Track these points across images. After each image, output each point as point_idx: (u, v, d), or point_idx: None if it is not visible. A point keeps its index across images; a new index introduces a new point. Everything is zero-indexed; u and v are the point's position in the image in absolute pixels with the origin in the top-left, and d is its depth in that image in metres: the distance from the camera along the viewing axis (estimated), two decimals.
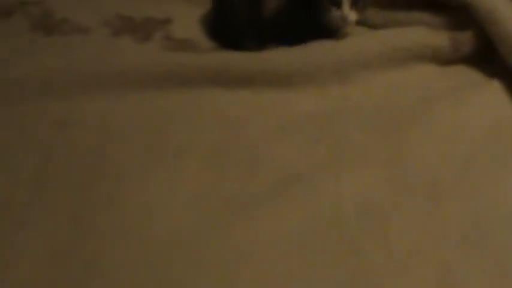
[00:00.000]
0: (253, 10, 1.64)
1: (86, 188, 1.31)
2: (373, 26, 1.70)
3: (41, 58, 1.66)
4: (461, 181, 1.31)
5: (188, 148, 1.39)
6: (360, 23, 1.62)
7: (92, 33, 1.77)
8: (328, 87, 1.53)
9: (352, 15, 1.54)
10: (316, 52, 1.55)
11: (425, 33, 1.60)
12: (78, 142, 1.42)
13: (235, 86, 1.53)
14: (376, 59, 1.56)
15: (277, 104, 1.50)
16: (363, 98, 1.51)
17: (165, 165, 1.36)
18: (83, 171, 1.35)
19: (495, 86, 1.54)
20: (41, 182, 1.34)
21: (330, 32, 1.58)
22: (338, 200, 1.27)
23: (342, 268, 1.16)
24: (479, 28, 1.58)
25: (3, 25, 1.85)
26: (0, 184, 1.33)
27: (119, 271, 1.17)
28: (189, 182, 1.32)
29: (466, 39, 1.59)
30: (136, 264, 1.18)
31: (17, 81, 1.56)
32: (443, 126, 1.44)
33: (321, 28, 1.57)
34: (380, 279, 1.15)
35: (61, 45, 1.73)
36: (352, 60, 1.54)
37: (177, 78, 1.53)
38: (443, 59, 1.60)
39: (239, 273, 1.16)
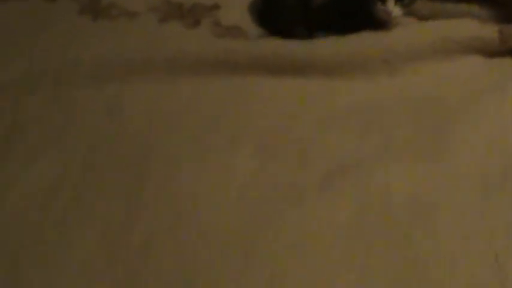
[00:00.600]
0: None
1: (137, 173, 1.34)
2: (421, 17, 1.69)
3: (90, 43, 1.69)
4: (509, 174, 1.31)
5: (239, 137, 1.41)
6: (408, 13, 1.62)
7: (139, 18, 1.79)
8: (378, 78, 1.53)
9: (396, 11, 1.55)
10: (365, 42, 1.56)
11: (474, 25, 1.59)
12: (130, 126, 1.45)
13: (284, 74, 1.54)
14: (425, 50, 1.56)
15: (327, 93, 1.51)
16: (411, 89, 1.51)
17: (216, 153, 1.38)
18: (134, 156, 1.38)
19: None
20: (93, 163, 1.37)
21: (378, 23, 1.59)
22: (387, 191, 1.28)
23: (392, 258, 1.18)
24: None
25: (52, 8, 1.88)
26: (53, 164, 1.37)
27: (168, 259, 1.19)
28: (240, 171, 1.34)
29: None
30: (185, 252, 1.20)
31: (69, 66, 1.60)
32: (490, 118, 1.44)
33: (369, 19, 1.58)
34: (429, 268, 1.16)
35: (109, 30, 1.75)
36: (401, 51, 1.54)
37: (227, 65, 1.55)
38: (490, 52, 1.59)
39: (290, 263, 1.18)
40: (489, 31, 1.58)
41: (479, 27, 1.59)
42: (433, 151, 1.36)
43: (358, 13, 1.58)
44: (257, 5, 1.78)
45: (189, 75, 1.55)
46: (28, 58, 1.65)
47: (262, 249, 1.20)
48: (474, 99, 1.47)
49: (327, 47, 1.56)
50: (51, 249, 1.22)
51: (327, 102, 1.49)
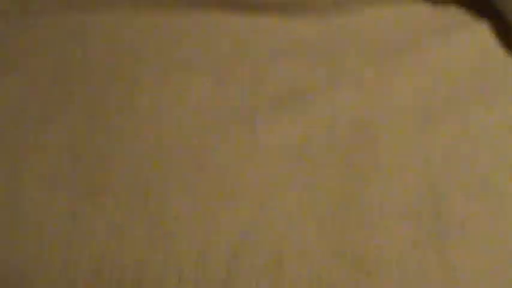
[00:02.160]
0: None
1: (101, 90, 1.40)
2: None
3: None
4: (449, 106, 1.41)
5: (194, 62, 1.47)
6: None
7: None
8: (327, 17, 1.60)
9: None
10: None
11: None
12: (94, 50, 1.50)
13: (238, 10, 1.59)
14: None
15: (278, 29, 1.57)
16: (359, 30, 1.58)
17: (175, 76, 1.43)
18: (98, 76, 1.43)
19: (483, 28, 1.61)
20: (58, 83, 1.42)
21: None
22: (333, 114, 1.37)
23: (334, 176, 1.27)
24: None
25: None
26: (19, 85, 1.42)
27: (126, 169, 1.26)
28: (196, 92, 1.40)
29: None
30: (143, 160, 1.27)
31: None
32: (432, 58, 1.52)
33: None
34: (367, 187, 1.26)
35: None
36: None
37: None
38: None
39: (240, 174, 1.26)
40: None
41: None
42: (376, 83, 1.44)
43: None
44: None
45: (146, 8, 1.59)
46: None
47: (215, 162, 1.28)
48: (416, 40, 1.55)
49: None
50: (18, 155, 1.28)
51: (279, 35, 1.55)
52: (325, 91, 1.42)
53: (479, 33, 1.61)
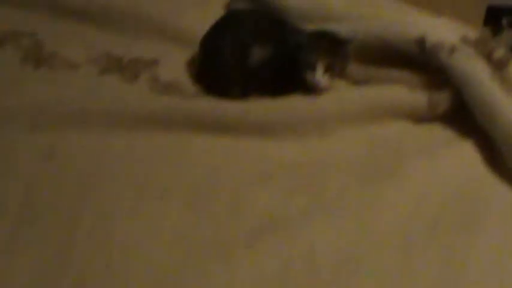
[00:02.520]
0: (240, 59, 1.68)
1: (71, 221, 1.35)
2: (354, 81, 1.75)
3: (30, 92, 1.71)
4: (433, 232, 1.37)
5: (171, 190, 1.43)
6: (341, 77, 1.68)
7: (79, 69, 1.82)
8: (309, 139, 1.58)
9: (324, 81, 1.59)
10: (298, 104, 1.60)
11: (404, 91, 1.65)
12: (65, 176, 1.46)
13: (218, 132, 1.57)
14: (356, 114, 1.61)
15: (258, 152, 1.55)
16: (341, 151, 1.56)
17: (148, 205, 1.40)
18: (69, 205, 1.39)
19: (468, 145, 1.59)
20: (27, 212, 1.37)
21: (309, 88, 1.63)
22: (312, 248, 1.32)
23: None
24: (455, 89, 1.63)
25: None
26: None
27: None
28: (170, 223, 1.36)
29: (442, 99, 1.64)
30: None
31: (6, 113, 1.60)
32: (415, 182, 1.49)
33: (301, 84, 1.62)
34: None
35: (49, 80, 1.77)
36: (333, 115, 1.60)
37: (162, 121, 1.58)
38: (419, 117, 1.65)
39: None
40: (419, 97, 1.64)
41: (409, 93, 1.65)
42: (358, 210, 1.41)
43: (291, 77, 1.62)
44: (196, 62, 1.82)
45: (124, 130, 1.57)
46: None
47: None
48: (400, 163, 1.52)
49: (260, 107, 1.60)
50: None
51: (258, 160, 1.53)
52: (303, 221, 1.37)
53: (464, 153, 1.59)
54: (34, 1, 2.11)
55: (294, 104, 1.60)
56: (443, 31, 1.72)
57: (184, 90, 1.73)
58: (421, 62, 1.69)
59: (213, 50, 1.74)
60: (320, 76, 1.58)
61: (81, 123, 1.58)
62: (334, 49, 1.60)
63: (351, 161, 1.54)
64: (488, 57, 1.67)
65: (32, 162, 1.49)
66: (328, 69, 1.59)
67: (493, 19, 3.14)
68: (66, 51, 1.88)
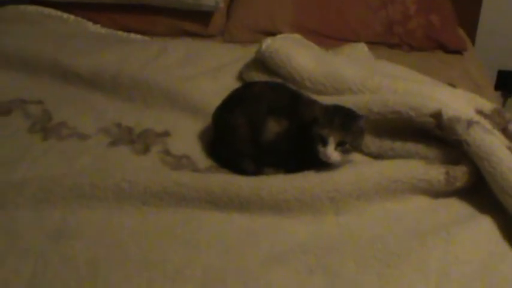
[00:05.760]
0: (254, 134, 1.66)
1: None
2: (369, 153, 1.73)
3: (38, 163, 1.69)
4: None
5: (184, 272, 1.38)
6: (356, 151, 1.66)
7: (89, 140, 1.80)
8: (324, 216, 1.54)
9: (335, 156, 1.56)
10: (313, 180, 1.56)
11: (420, 166, 1.62)
12: (74, 255, 1.42)
13: (231, 209, 1.54)
14: (372, 189, 1.57)
15: (273, 230, 1.51)
16: (358, 229, 1.52)
17: None
18: (79, 285, 1.35)
19: (487, 221, 1.55)
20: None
21: (322, 163, 1.59)
22: None
23: None
24: (473, 163, 1.60)
25: (1, 123, 1.88)
26: None
27: None
28: None
29: (459, 173, 1.60)
30: None
31: (14, 187, 1.58)
32: (435, 261, 1.44)
33: (315, 158, 1.59)
34: None
35: (58, 151, 1.75)
36: (348, 190, 1.56)
37: (174, 196, 1.54)
38: (437, 192, 1.61)
39: None
40: (435, 172, 1.60)
41: (425, 168, 1.61)
42: None
43: (305, 151, 1.59)
44: (208, 135, 1.80)
45: (135, 204, 1.54)
46: None
47: None
48: (419, 241, 1.47)
49: (274, 184, 1.56)
50: None
51: (273, 239, 1.48)
52: None
53: (483, 229, 1.53)
54: (42, 68, 2.12)
55: (309, 180, 1.56)
56: (459, 103, 1.70)
57: (197, 165, 1.71)
58: (437, 135, 1.66)
59: (226, 124, 1.72)
60: (331, 151, 1.55)
61: (91, 198, 1.55)
62: (347, 124, 1.57)
63: (369, 239, 1.49)
64: (504, 130, 1.65)
65: (40, 239, 1.45)
66: (340, 144, 1.56)
67: (504, 83, 3.19)
68: (75, 120, 1.87)
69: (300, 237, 1.49)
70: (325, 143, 1.55)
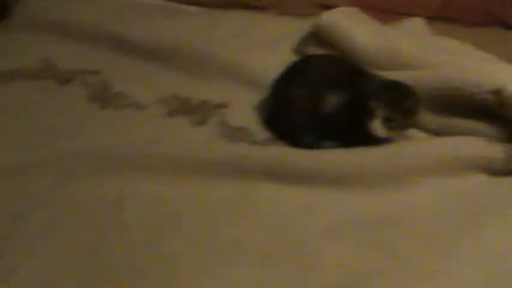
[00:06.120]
0: (313, 107, 1.66)
1: (140, 271, 1.33)
2: (429, 130, 1.71)
3: (97, 133, 1.71)
4: None
5: (243, 244, 1.39)
6: (416, 127, 1.66)
7: (147, 110, 1.81)
8: (383, 191, 1.53)
9: (382, 130, 1.56)
10: (372, 155, 1.56)
11: (480, 143, 1.60)
12: (133, 224, 1.44)
13: (290, 181, 1.53)
14: (432, 166, 1.56)
15: (331, 204, 1.50)
16: (416, 205, 1.51)
17: (219, 260, 1.35)
18: (138, 254, 1.37)
19: None
20: (96, 259, 1.35)
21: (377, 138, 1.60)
22: None
23: None
24: None
25: (61, 92, 1.91)
26: (56, 259, 1.35)
27: None
28: (243, 279, 1.31)
29: None
30: None
31: (72, 157, 1.60)
32: (492, 239, 1.42)
33: (369, 131, 1.59)
34: None
35: (117, 120, 1.77)
36: (407, 166, 1.54)
37: (233, 168, 1.55)
38: (497, 170, 1.59)
39: None
40: (495, 150, 1.58)
41: (485, 146, 1.59)
42: (432, 273, 1.34)
43: (361, 126, 1.59)
44: (266, 107, 1.79)
45: (194, 175, 1.54)
46: (32, 145, 1.67)
47: None
48: (477, 221, 1.45)
49: (335, 158, 1.56)
50: None
51: (333, 213, 1.48)
52: (378, 280, 1.32)
53: None
54: (101, 39, 2.13)
55: (369, 155, 1.56)
56: None
57: (255, 137, 1.71)
58: (498, 113, 1.64)
59: (285, 96, 1.72)
60: (378, 125, 1.55)
61: (149, 169, 1.56)
62: (397, 101, 1.56)
63: (427, 216, 1.48)
64: None
65: (100, 210, 1.47)
66: (388, 120, 1.55)
67: None
68: (133, 90, 1.88)
69: (357, 212, 1.49)
70: (372, 117, 1.55)
